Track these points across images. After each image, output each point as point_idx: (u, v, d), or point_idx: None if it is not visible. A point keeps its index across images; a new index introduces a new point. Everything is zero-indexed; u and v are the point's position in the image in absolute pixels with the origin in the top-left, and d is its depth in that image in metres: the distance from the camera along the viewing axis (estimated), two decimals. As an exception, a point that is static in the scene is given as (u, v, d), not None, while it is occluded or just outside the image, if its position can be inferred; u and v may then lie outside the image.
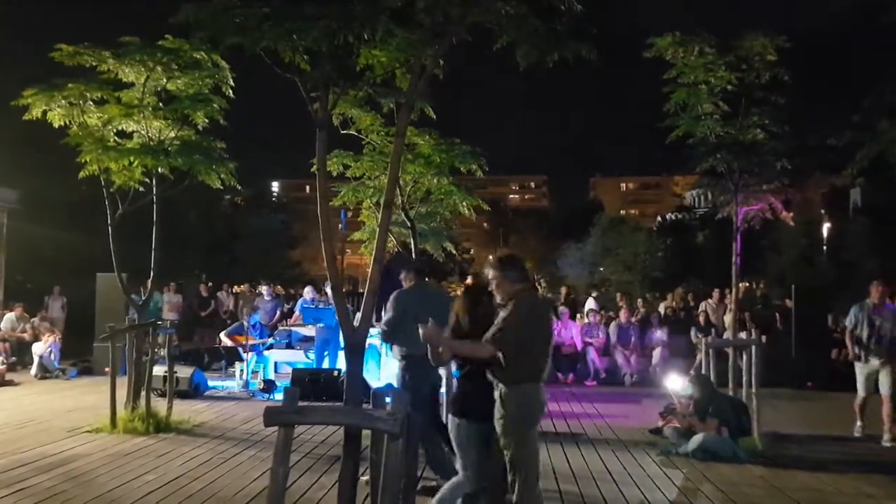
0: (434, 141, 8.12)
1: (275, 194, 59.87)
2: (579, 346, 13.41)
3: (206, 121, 8.32)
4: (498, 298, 4.34)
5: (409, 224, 8.35)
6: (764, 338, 8.71)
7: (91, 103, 8.03)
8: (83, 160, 8.04)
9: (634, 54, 8.85)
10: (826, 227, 25.66)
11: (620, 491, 6.17)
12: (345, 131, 7.85)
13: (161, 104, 8.20)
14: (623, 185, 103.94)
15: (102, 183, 8.26)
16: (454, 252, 10.29)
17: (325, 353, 10.82)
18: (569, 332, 13.54)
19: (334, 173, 8.25)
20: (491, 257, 4.61)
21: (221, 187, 8.69)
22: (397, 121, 4.72)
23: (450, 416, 4.39)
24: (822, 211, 29.90)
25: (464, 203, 8.68)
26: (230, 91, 8.19)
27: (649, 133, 9.33)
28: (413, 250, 8.45)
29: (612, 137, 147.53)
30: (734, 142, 8.65)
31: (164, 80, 8.03)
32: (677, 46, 8.50)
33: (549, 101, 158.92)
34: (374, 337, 11.14)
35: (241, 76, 8.30)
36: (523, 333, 4.15)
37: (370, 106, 7.77)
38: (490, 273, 4.36)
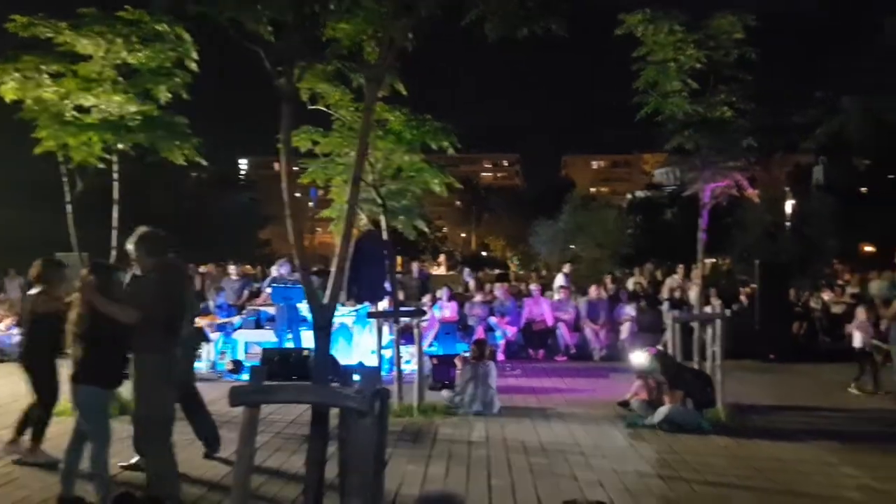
0: (405, 117, 8.04)
1: (243, 172, 58.98)
2: (550, 323, 13.52)
3: (169, 95, 8.12)
4: (138, 271, 4.84)
5: (379, 201, 8.27)
6: (728, 311, 8.83)
7: (47, 77, 7.76)
8: (39, 136, 7.81)
9: (607, 31, 8.80)
10: (789, 205, 26.06)
11: (589, 463, 6.27)
12: (313, 107, 7.73)
13: (121, 78, 7.97)
14: (594, 164, 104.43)
15: (61, 160, 8.04)
16: (426, 230, 10.22)
17: (289, 332, 10.76)
18: (540, 308, 13.63)
19: (303, 150, 8.14)
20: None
21: (185, 164, 8.53)
22: (366, 95, 4.66)
23: (80, 386, 4.65)
24: (787, 188, 30.40)
25: (435, 180, 8.61)
26: (194, 65, 7.99)
27: (620, 111, 9.34)
28: (384, 228, 8.40)
29: (584, 115, 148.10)
30: (702, 119, 8.68)
31: (125, 53, 7.80)
32: (647, 24, 8.48)
33: (521, 78, 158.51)
34: (344, 316, 11.16)
35: (208, 50, 8.11)
36: (160, 304, 4.56)
37: (339, 81, 7.66)
38: (129, 248, 4.78)
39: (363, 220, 8.70)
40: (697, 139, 8.75)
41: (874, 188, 32.61)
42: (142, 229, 4.83)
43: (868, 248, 32.38)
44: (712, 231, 9.38)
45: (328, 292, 4.06)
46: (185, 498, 5.15)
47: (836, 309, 15.23)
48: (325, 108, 7.80)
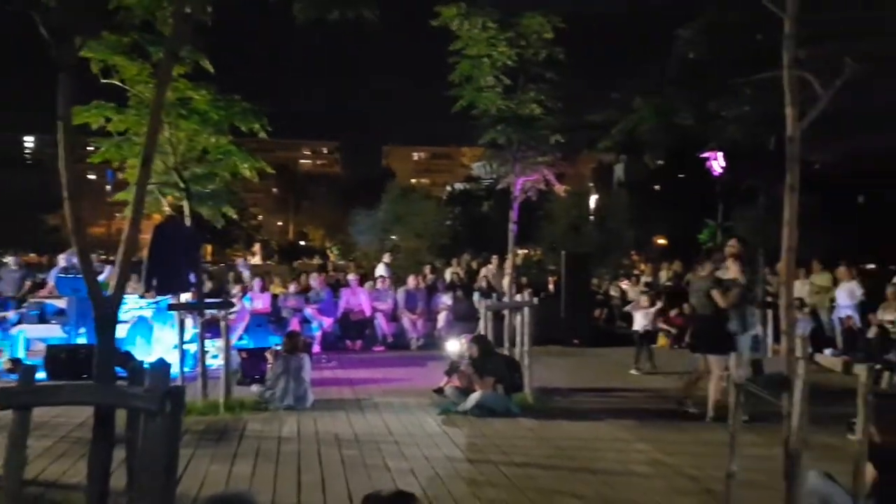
0: (211, 96, 7.57)
1: (29, 150, 53.03)
2: (368, 313, 13.47)
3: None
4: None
5: (182, 186, 7.73)
6: (536, 299, 9.27)
7: None
8: None
9: (426, 21, 8.83)
10: (593, 200, 28.02)
11: (402, 452, 6.29)
12: (106, 80, 7.07)
13: None
14: (415, 155, 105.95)
15: None
16: (236, 218, 9.68)
17: (80, 327, 9.83)
18: (358, 298, 13.53)
19: (94, 127, 7.41)
20: None
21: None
22: (160, 69, 4.28)
23: None
24: (591, 184, 32.76)
25: (245, 165, 8.21)
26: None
27: (441, 103, 9.43)
28: (188, 214, 7.87)
29: (406, 105, 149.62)
30: (513, 115, 8.99)
31: None
32: (462, 18, 8.61)
33: (342, 66, 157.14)
34: (144, 308, 10.38)
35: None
36: None
37: (137, 54, 7.07)
38: None
39: (164, 205, 8.11)
40: (509, 134, 9.05)
41: (666, 186, 36.02)
42: None
43: (661, 241, 35.75)
44: (524, 223, 9.78)
45: (113, 282, 3.69)
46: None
47: (633, 296, 16.58)
48: (120, 83, 7.15)
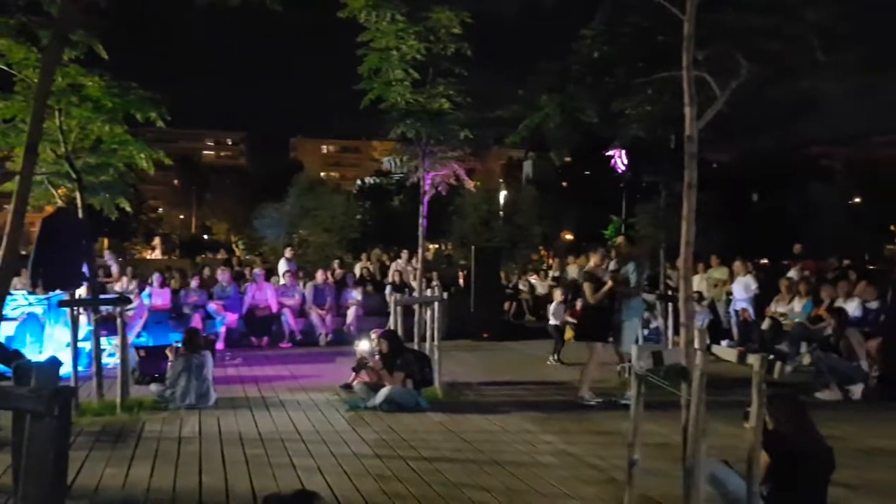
0: (105, 83, 7.18)
1: None
2: (275, 309, 13.16)
3: None
4: None
5: (74, 176, 7.31)
6: (446, 293, 9.33)
7: None
8: None
9: (333, 12, 8.65)
10: (503, 195, 28.51)
11: (309, 450, 6.18)
12: (-10, 64, 6.61)
13: None
14: (324, 148, 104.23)
15: None
16: (131, 210, 9.15)
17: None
18: (264, 294, 13.20)
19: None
20: None
21: None
22: (46, 52, 3.99)
23: None
24: (501, 181, 33.30)
25: (142, 155, 7.84)
26: None
27: (350, 95, 9.28)
28: (80, 206, 7.44)
29: (315, 98, 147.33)
30: (422, 109, 8.96)
31: None
32: (370, 10, 8.50)
33: (249, 57, 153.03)
34: (34, 305, 9.78)
35: None
36: None
37: (25, 37, 6.62)
38: None
39: (56, 197, 7.65)
40: (418, 128, 9.02)
41: (573, 183, 37.02)
42: None
43: (568, 236, 36.74)
44: (435, 218, 9.79)
45: (-6, 278, 3.43)
46: None
47: (541, 290, 16.94)
48: (6, 68, 6.70)
